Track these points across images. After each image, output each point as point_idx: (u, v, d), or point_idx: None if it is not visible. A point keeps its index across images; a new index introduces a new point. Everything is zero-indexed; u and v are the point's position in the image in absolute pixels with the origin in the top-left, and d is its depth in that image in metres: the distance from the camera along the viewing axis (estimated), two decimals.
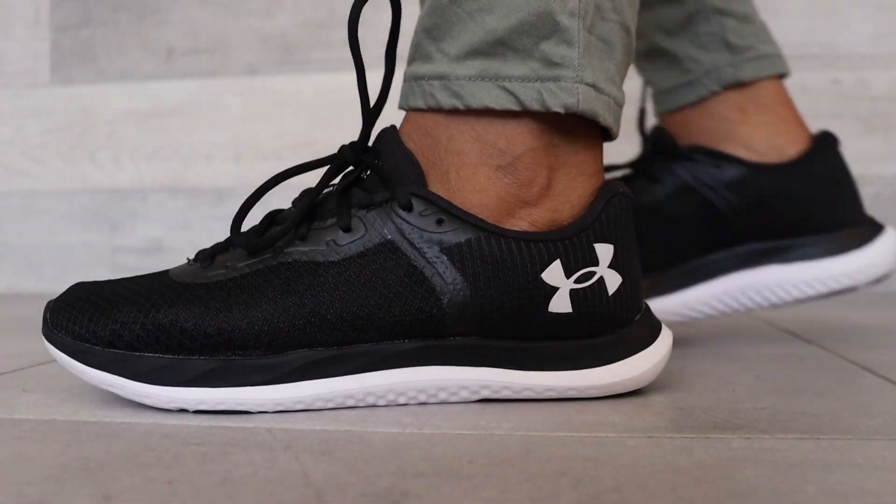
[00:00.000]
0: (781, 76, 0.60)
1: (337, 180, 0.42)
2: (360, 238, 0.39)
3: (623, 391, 0.41)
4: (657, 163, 0.58)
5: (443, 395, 0.40)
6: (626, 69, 0.43)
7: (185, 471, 0.30)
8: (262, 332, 0.38)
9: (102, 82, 1.23)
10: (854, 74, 1.09)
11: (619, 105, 0.42)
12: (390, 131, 0.42)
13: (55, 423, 0.37)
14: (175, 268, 0.42)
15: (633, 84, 1.06)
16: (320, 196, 0.41)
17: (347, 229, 0.39)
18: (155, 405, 0.39)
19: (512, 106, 0.39)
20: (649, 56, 0.62)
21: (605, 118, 0.41)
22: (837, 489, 0.28)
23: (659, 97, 0.63)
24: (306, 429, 0.36)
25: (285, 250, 0.40)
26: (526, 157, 0.40)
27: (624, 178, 0.60)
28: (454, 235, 0.39)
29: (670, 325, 0.57)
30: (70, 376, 0.47)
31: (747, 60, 0.59)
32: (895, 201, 1.09)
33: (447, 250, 0.39)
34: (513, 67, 0.39)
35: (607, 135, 0.43)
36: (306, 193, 0.41)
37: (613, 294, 0.40)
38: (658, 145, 0.60)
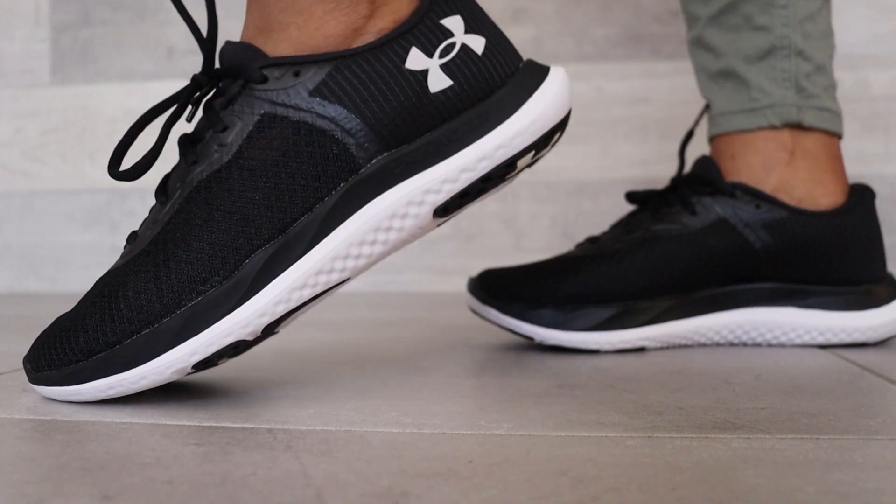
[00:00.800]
0: (837, 136, 0.62)
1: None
2: (238, 128, 0.40)
3: (546, 129, 0.41)
4: (696, 195, 0.59)
5: (397, 223, 0.41)
6: None
7: (185, 471, 0.30)
8: (214, 256, 0.39)
9: (102, 82, 1.23)
10: (854, 74, 1.09)
11: None
12: (225, 44, 0.43)
13: (54, 423, 0.37)
14: (112, 265, 0.42)
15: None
16: (189, 122, 0.43)
17: (224, 129, 0.41)
18: (156, 382, 0.39)
19: None
20: (720, 77, 0.64)
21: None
22: (837, 489, 0.28)
23: (716, 118, 0.64)
24: (306, 429, 0.36)
25: (186, 180, 0.41)
26: None
27: (659, 202, 0.61)
28: (314, 77, 0.40)
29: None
30: None
31: (812, 108, 0.61)
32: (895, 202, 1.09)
33: (316, 91, 0.40)
34: None
35: None
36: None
37: (483, 53, 0.42)
38: (701, 175, 0.61)
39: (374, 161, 0.40)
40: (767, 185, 0.60)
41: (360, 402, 0.41)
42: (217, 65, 0.45)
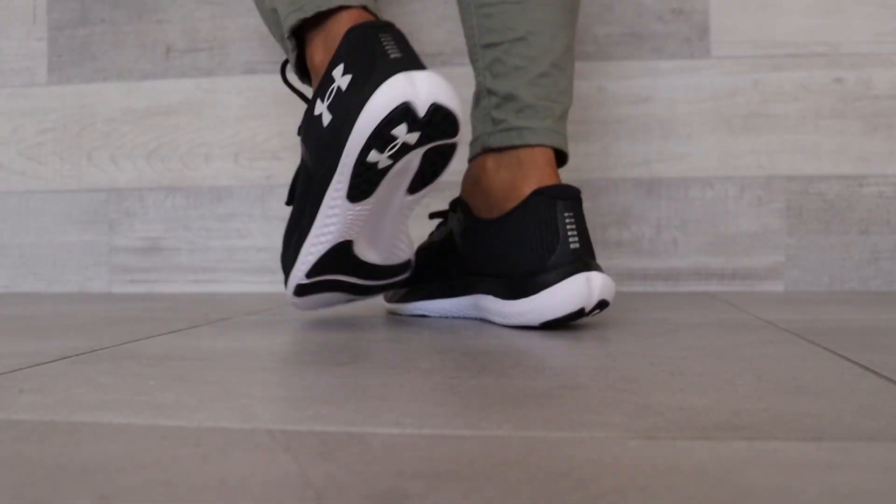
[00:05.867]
0: (529, 146, 0.72)
1: None
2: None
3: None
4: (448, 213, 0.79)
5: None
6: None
7: (183, 472, 0.30)
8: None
9: (100, 81, 1.22)
10: (856, 73, 1.09)
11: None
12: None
13: (52, 424, 0.37)
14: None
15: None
16: None
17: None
18: None
19: None
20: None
21: (312, 9, 0.66)
22: (840, 491, 0.27)
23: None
24: (305, 430, 0.36)
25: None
26: None
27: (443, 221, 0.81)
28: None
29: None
30: (66, 377, 0.47)
31: (499, 132, 0.73)
32: None
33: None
34: None
35: None
36: None
37: (348, 88, 0.58)
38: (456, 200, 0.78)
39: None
40: (475, 197, 0.74)
41: (360, 402, 0.41)
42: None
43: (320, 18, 0.66)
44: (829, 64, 1.09)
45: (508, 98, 0.73)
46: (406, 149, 0.52)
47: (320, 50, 0.66)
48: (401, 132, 0.51)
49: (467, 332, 0.68)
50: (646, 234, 1.12)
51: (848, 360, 0.52)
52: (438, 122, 0.52)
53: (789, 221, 1.10)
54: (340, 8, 0.64)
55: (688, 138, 1.11)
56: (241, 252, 1.19)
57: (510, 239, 0.68)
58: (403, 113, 0.50)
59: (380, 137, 0.52)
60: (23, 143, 1.24)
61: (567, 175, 1.12)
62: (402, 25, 1.11)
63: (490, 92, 0.74)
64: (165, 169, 1.21)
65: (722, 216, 1.11)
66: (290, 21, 0.67)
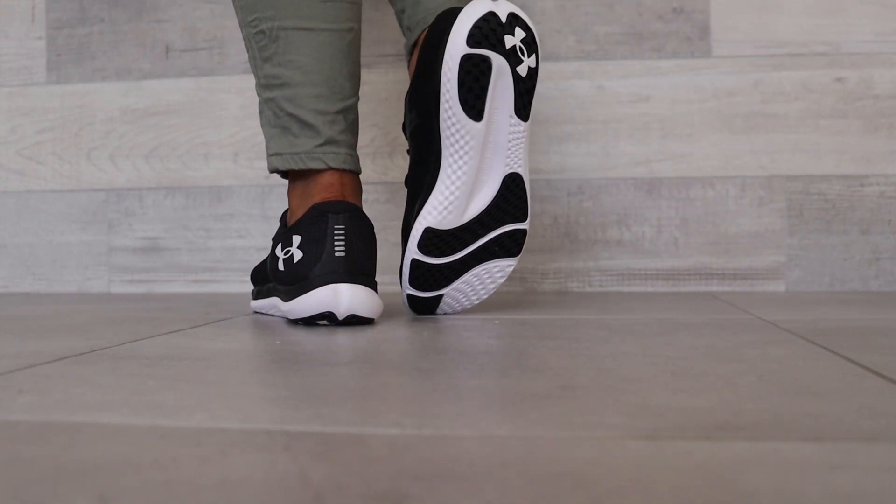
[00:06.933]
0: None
1: None
2: None
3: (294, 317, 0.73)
4: None
5: None
6: (310, 129, 0.74)
7: (183, 472, 0.30)
8: None
9: (99, 81, 1.22)
10: (858, 73, 1.09)
11: (304, 153, 0.74)
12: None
13: (51, 424, 0.37)
14: None
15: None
16: None
17: None
18: None
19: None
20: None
21: (285, 166, 0.75)
22: (840, 491, 0.27)
23: None
24: (305, 430, 0.36)
25: None
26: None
27: None
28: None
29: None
30: (65, 377, 0.47)
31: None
32: None
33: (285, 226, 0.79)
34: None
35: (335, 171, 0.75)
36: None
37: (297, 262, 0.72)
38: None
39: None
40: None
41: (360, 403, 0.41)
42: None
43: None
44: (829, 63, 1.09)
45: (415, 4, 0.80)
46: (332, 322, 0.72)
47: (297, 195, 0.76)
48: (323, 322, 0.71)
49: (467, 333, 0.68)
50: (646, 234, 1.12)
51: (849, 360, 0.52)
52: (355, 323, 0.71)
53: (790, 221, 1.10)
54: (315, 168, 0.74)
55: (688, 138, 1.11)
56: (241, 252, 1.19)
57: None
58: (327, 315, 0.70)
59: (309, 321, 0.72)
60: (21, 142, 1.24)
61: (567, 174, 1.13)
62: None
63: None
64: (165, 169, 1.21)
65: (723, 216, 1.11)
66: (272, 163, 0.76)
